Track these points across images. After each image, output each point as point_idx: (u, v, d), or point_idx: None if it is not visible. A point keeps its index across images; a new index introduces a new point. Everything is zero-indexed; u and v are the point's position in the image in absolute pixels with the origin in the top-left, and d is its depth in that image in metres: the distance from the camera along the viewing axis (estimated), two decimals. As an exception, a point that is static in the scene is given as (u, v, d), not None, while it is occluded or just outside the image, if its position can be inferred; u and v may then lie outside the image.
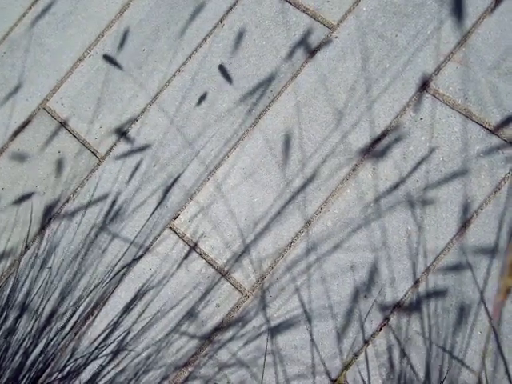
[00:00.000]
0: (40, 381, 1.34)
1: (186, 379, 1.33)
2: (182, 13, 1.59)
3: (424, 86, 1.37)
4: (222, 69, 1.47)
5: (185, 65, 1.55)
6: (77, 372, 1.36)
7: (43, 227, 1.52)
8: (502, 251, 1.23)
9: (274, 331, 1.31)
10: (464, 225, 1.27)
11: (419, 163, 1.32)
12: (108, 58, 1.50)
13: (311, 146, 1.40)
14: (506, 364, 1.18)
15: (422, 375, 1.22)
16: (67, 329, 1.41)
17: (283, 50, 1.49)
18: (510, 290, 0.70)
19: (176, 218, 1.44)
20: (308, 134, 1.41)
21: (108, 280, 1.43)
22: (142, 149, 1.51)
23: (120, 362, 1.37)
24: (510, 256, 0.68)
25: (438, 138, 1.33)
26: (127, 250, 1.45)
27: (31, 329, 1.39)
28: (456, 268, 1.25)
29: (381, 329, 1.26)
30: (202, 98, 1.51)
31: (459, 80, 1.35)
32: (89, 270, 1.45)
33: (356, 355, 1.26)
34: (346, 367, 1.26)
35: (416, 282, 1.26)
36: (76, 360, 1.38)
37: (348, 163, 1.37)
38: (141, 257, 1.43)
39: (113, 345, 1.38)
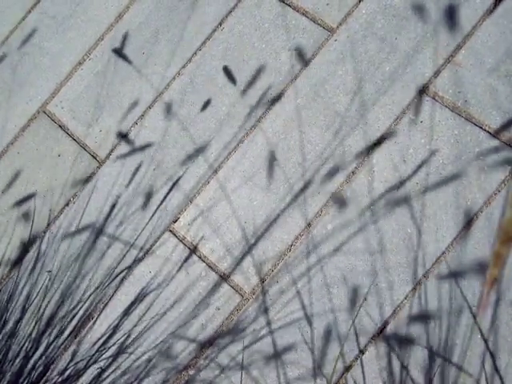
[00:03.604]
0: (40, 384, 1.34)
1: (187, 382, 1.33)
2: (181, 16, 1.60)
3: (423, 88, 1.37)
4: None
5: (184, 68, 1.55)
6: (77, 375, 1.36)
7: (43, 231, 1.52)
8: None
9: (275, 334, 1.31)
10: (464, 227, 1.27)
11: (419, 166, 1.32)
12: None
13: (311, 149, 1.40)
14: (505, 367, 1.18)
15: (421, 378, 1.22)
16: (67, 332, 1.41)
17: (283, 52, 1.49)
18: (496, 280, 0.71)
19: (176, 221, 1.44)
20: (308, 137, 1.41)
21: (108, 283, 1.43)
22: (142, 152, 1.51)
23: (120, 365, 1.36)
24: (496, 247, 0.69)
25: (437, 140, 1.33)
26: (127, 253, 1.45)
27: (31, 332, 1.39)
28: (456, 271, 1.25)
29: (381, 331, 1.26)
30: (202, 101, 1.51)
31: (459, 83, 1.35)
32: (89, 273, 1.45)
33: (356, 358, 1.26)
34: (347, 370, 1.26)
35: (416, 285, 1.26)
36: (76, 363, 1.38)
37: (348, 166, 1.37)
38: (141, 260, 1.43)
39: (113, 348, 1.38)
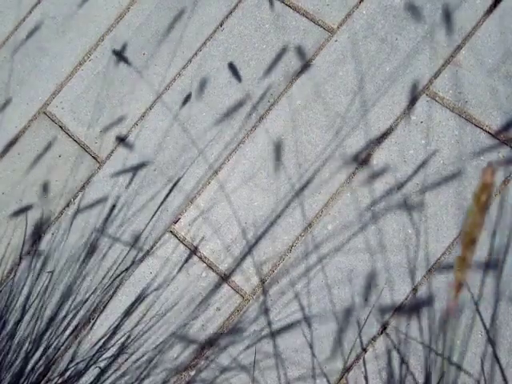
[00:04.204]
0: (41, 385, 1.34)
1: (187, 383, 1.33)
2: (181, 16, 1.60)
3: (424, 89, 1.37)
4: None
5: (185, 68, 1.55)
6: (78, 376, 1.36)
7: (44, 231, 1.52)
8: (502, 253, 1.23)
9: (275, 335, 1.31)
10: (464, 228, 1.27)
11: (419, 166, 1.32)
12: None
13: (311, 149, 1.40)
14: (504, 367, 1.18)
15: (421, 378, 1.22)
16: (68, 332, 1.41)
17: (283, 53, 1.49)
18: (462, 285, 0.70)
19: (176, 221, 1.44)
20: (308, 138, 1.41)
21: (108, 284, 1.43)
22: (142, 153, 1.51)
23: (121, 365, 1.36)
24: (459, 250, 0.69)
25: (438, 141, 1.33)
26: (127, 253, 1.45)
27: (31, 333, 1.39)
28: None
29: (381, 332, 1.26)
30: (202, 101, 1.51)
31: (459, 83, 1.35)
32: (89, 273, 1.45)
33: (357, 358, 1.26)
34: (347, 370, 1.26)
35: (416, 286, 1.26)
36: (77, 364, 1.38)
37: (348, 166, 1.37)
38: (141, 260, 1.43)
39: (113, 348, 1.38)
